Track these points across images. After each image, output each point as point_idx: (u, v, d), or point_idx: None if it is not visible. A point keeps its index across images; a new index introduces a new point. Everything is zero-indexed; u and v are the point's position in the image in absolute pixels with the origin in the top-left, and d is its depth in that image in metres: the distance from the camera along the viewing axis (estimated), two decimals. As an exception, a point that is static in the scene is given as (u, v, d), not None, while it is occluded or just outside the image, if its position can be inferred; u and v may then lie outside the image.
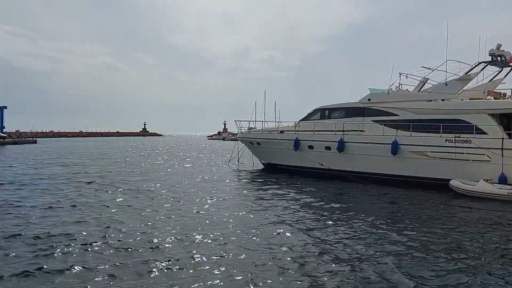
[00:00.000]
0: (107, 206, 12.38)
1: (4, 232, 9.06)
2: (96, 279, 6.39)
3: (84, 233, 9.09)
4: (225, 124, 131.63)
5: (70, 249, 7.89)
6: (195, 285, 6.21)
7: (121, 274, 6.60)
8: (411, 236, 9.28)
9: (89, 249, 7.92)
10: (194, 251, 7.86)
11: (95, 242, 8.37)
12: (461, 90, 18.50)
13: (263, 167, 26.18)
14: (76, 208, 12.08)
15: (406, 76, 19.67)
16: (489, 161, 15.84)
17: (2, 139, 66.52)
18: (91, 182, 18.15)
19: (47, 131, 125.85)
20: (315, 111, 22.73)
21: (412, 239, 8.96)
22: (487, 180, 14.83)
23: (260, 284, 6.30)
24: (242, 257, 7.61)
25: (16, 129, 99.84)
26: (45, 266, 6.90)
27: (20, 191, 15.21)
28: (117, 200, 13.62)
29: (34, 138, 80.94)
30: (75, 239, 8.54)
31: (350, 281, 6.44)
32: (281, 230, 9.63)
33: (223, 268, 6.95)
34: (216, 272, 6.76)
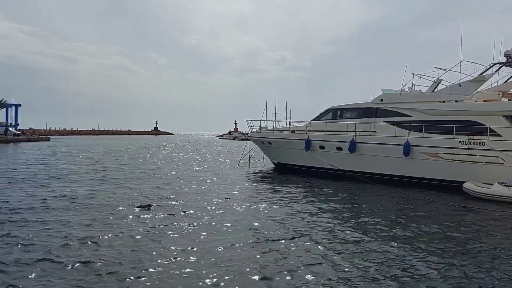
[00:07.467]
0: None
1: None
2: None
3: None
4: (235, 124, 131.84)
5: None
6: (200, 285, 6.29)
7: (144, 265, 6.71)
8: (424, 238, 9.25)
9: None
10: (203, 249, 7.95)
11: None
12: (475, 91, 18.28)
13: (274, 167, 26.20)
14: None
15: (419, 77, 19.48)
16: (503, 163, 15.64)
17: (16, 137, 67.63)
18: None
19: (60, 129, 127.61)
20: (327, 111, 22.66)
21: (425, 242, 8.91)
22: (501, 183, 14.63)
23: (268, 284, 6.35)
24: (253, 257, 7.67)
25: (30, 127, 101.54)
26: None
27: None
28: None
29: (47, 136, 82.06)
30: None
31: (357, 280, 6.45)
32: (291, 232, 9.66)
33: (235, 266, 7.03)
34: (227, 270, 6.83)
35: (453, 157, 16.80)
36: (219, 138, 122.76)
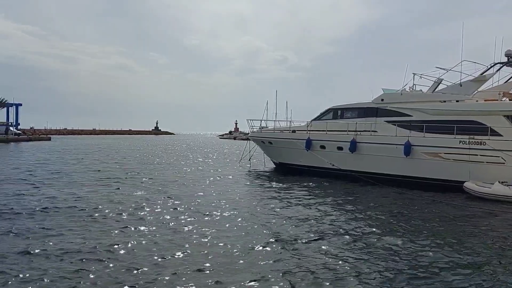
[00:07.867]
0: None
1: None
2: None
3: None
4: (236, 124, 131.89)
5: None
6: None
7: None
8: (426, 237, 9.26)
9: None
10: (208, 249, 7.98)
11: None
12: (476, 91, 18.27)
13: (274, 166, 26.21)
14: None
15: (420, 77, 19.46)
16: (504, 163, 15.63)
17: (17, 136, 67.75)
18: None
19: (61, 128, 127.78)
20: (328, 111, 22.65)
21: (427, 241, 8.93)
22: (502, 182, 14.63)
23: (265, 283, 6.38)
24: (252, 257, 7.70)
25: (31, 126, 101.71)
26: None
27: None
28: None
29: (48, 136, 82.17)
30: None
31: (362, 277, 6.48)
32: (296, 232, 9.68)
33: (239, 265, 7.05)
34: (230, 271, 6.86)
35: (454, 157, 16.79)
36: (220, 138, 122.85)
